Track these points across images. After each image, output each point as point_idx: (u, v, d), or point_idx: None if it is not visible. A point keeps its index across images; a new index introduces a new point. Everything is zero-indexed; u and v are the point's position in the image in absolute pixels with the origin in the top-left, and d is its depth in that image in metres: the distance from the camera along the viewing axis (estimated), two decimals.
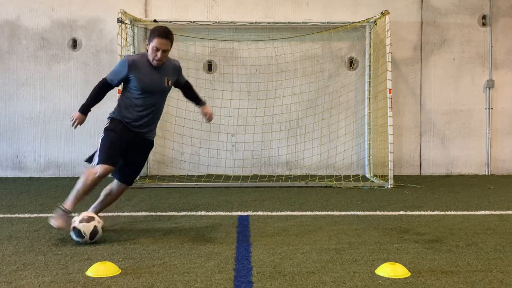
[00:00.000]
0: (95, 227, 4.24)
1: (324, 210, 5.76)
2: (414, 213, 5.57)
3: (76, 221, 4.25)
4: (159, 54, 4.41)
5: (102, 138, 4.53)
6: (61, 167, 8.56)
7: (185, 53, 8.34)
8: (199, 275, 3.46)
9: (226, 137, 8.47)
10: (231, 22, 8.25)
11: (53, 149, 8.55)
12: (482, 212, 5.59)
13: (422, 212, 5.58)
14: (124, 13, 7.69)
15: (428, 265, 3.70)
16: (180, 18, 8.36)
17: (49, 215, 5.47)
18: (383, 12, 7.75)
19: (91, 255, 3.94)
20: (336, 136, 8.52)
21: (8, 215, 5.47)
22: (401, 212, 5.58)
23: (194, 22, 8.24)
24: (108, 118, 4.64)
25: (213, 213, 5.55)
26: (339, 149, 8.50)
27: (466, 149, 8.76)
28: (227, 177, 7.99)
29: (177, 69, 4.78)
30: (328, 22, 8.23)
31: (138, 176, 8.12)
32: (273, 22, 8.30)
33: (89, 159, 4.65)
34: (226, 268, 3.61)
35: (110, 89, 4.62)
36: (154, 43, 4.39)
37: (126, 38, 7.78)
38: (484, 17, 8.66)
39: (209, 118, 4.96)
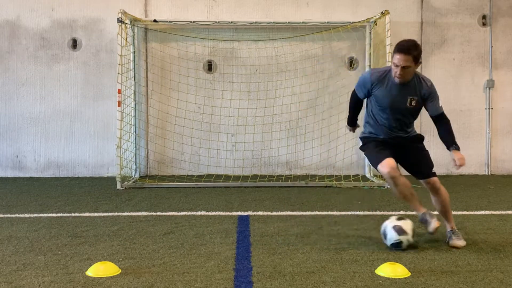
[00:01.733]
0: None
1: (324, 210, 5.76)
2: (414, 213, 5.56)
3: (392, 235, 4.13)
4: (398, 70, 4.14)
5: (366, 153, 4.59)
6: (61, 167, 8.56)
7: (185, 53, 8.34)
8: (199, 275, 3.46)
9: (226, 137, 8.46)
10: (231, 22, 8.24)
11: (53, 149, 8.55)
12: (482, 212, 5.59)
13: None
14: (124, 13, 7.69)
15: (428, 265, 3.70)
16: (180, 18, 8.36)
17: (49, 215, 5.49)
18: (383, 12, 7.75)
19: (91, 255, 3.94)
20: (336, 136, 8.52)
21: (8, 215, 5.47)
22: (401, 212, 5.57)
23: (194, 22, 8.24)
24: (360, 138, 4.65)
25: (213, 213, 5.55)
26: (339, 149, 8.50)
27: (466, 149, 8.73)
28: (227, 177, 7.98)
29: (425, 90, 4.32)
30: (328, 22, 8.23)
31: (138, 176, 8.15)
32: (273, 22, 8.29)
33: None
34: (226, 268, 3.61)
35: (361, 101, 4.58)
36: (395, 58, 4.13)
37: (126, 38, 7.78)
38: (484, 17, 8.66)
39: (459, 164, 4.32)
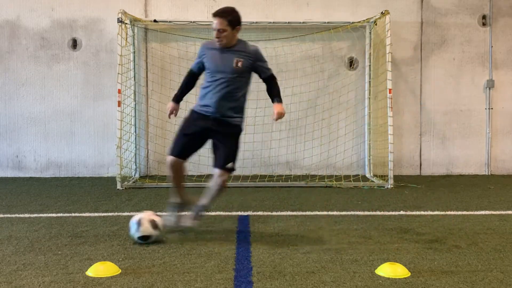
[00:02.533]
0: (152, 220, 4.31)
1: (324, 210, 5.76)
2: (414, 213, 5.57)
3: (134, 229, 4.28)
4: (215, 34, 4.43)
5: (178, 128, 4.65)
6: (61, 167, 8.56)
7: (185, 53, 8.34)
8: (199, 275, 3.46)
9: None
10: None
11: (53, 149, 8.55)
12: (482, 212, 5.59)
13: (422, 212, 5.58)
14: (124, 13, 7.69)
15: (428, 265, 3.70)
16: (180, 18, 8.36)
17: (49, 215, 5.49)
18: (383, 12, 7.75)
19: (91, 255, 3.94)
20: (336, 136, 8.52)
21: (8, 215, 5.47)
22: (401, 212, 5.58)
23: (194, 22, 8.24)
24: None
25: (213, 213, 5.55)
26: (339, 149, 8.50)
27: (466, 149, 8.76)
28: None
29: (251, 54, 4.61)
30: (328, 22, 8.23)
31: (138, 176, 8.15)
32: (273, 22, 8.29)
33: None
34: (226, 268, 3.61)
35: (194, 76, 4.72)
36: (212, 23, 4.44)
37: (126, 38, 7.78)
38: (484, 17, 8.66)
39: (275, 118, 4.58)
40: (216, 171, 4.51)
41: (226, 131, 4.53)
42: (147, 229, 4.24)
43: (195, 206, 4.64)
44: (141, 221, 4.27)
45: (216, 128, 4.51)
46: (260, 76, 4.72)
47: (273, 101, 4.65)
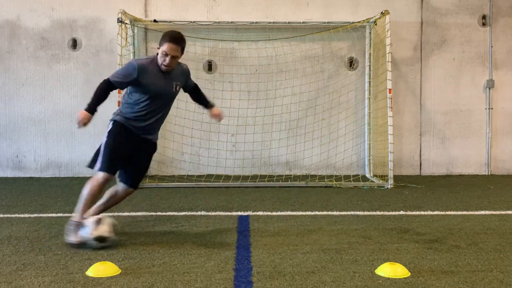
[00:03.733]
0: (110, 222, 4.21)
1: (324, 210, 5.76)
2: (414, 213, 5.57)
3: (89, 232, 4.12)
4: (167, 59, 4.29)
5: (105, 142, 4.45)
6: (61, 167, 8.56)
7: (185, 53, 8.26)
8: (199, 275, 3.46)
9: (226, 137, 8.47)
10: (231, 22, 8.25)
11: (53, 149, 8.55)
12: (482, 212, 5.59)
13: (422, 212, 5.58)
14: (124, 13, 7.69)
15: (428, 265, 3.70)
16: (180, 18, 8.36)
17: (49, 215, 5.49)
18: (383, 12, 7.75)
19: (91, 255, 3.94)
20: (336, 136, 8.52)
21: (8, 215, 5.47)
22: (401, 212, 5.58)
23: (194, 22, 8.24)
24: (111, 120, 4.54)
25: (213, 213, 5.55)
26: (339, 149, 8.50)
27: (466, 149, 8.76)
28: (227, 177, 7.98)
29: (186, 74, 4.67)
30: (328, 22, 8.23)
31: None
32: (273, 22, 8.30)
33: (91, 164, 4.56)
34: (226, 268, 3.61)
35: (113, 90, 4.51)
36: (164, 47, 4.27)
37: (126, 38, 7.78)
38: (484, 17, 8.66)
39: (219, 119, 4.87)
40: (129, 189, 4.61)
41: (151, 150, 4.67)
42: (103, 230, 4.12)
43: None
44: (101, 221, 4.17)
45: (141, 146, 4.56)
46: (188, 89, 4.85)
47: (211, 106, 4.87)
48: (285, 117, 8.50)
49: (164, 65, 4.32)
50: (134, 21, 8.19)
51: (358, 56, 8.57)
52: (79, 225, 4.25)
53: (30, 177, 8.43)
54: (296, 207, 5.91)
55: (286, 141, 8.54)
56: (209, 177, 7.97)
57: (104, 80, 4.40)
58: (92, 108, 4.34)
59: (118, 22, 7.54)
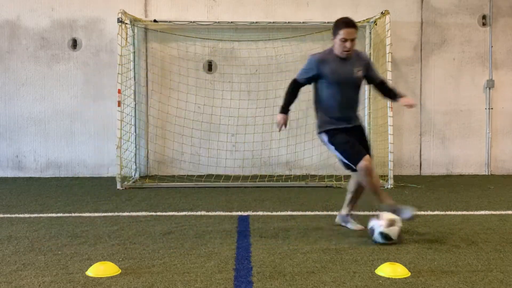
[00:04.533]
0: (400, 228, 4.27)
1: (324, 210, 5.76)
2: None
3: (381, 225, 4.24)
4: (348, 44, 4.42)
5: (335, 148, 4.59)
6: (61, 167, 8.56)
7: (185, 53, 8.35)
8: (199, 275, 3.46)
9: (226, 137, 8.47)
10: (231, 22, 8.25)
11: (53, 149, 8.55)
12: (482, 212, 5.59)
13: (422, 212, 5.57)
14: (124, 13, 7.69)
15: (428, 265, 3.70)
16: (180, 18, 8.36)
17: (49, 215, 5.49)
18: (383, 12, 7.75)
19: (91, 255, 3.94)
20: None
21: (8, 215, 5.47)
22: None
23: (194, 22, 8.24)
24: (319, 133, 4.72)
25: (213, 213, 5.55)
26: None
27: (466, 149, 8.75)
28: (227, 177, 7.98)
29: (365, 60, 4.72)
30: (328, 22, 8.20)
31: (138, 176, 8.15)
32: (273, 22, 8.29)
33: (351, 168, 4.59)
34: (226, 268, 3.61)
35: (300, 87, 4.71)
36: (342, 34, 4.40)
37: (126, 38, 7.78)
38: (484, 17, 8.66)
39: (411, 107, 4.77)
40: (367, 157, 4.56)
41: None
42: (393, 233, 4.23)
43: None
44: (393, 223, 4.25)
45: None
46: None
47: (400, 97, 4.79)
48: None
49: (345, 51, 4.46)
50: (134, 21, 8.19)
51: None
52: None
53: (30, 177, 8.43)
54: (296, 207, 5.91)
55: (286, 141, 8.54)
56: (209, 177, 7.97)
57: (292, 80, 4.71)
58: (285, 109, 4.73)
59: (118, 22, 7.54)
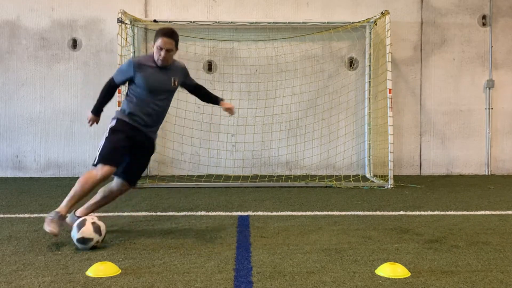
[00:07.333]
0: (96, 221, 4.17)
1: (324, 210, 5.76)
2: (414, 213, 5.57)
3: (75, 232, 4.11)
4: (162, 53, 4.42)
5: (106, 138, 4.50)
6: (61, 167, 8.56)
7: (185, 53, 8.34)
8: (199, 275, 3.46)
9: (226, 137, 8.47)
10: (231, 22, 8.25)
11: (53, 149, 8.55)
12: (482, 212, 5.59)
13: (422, 212, 5.58)
14: (124, 13, 7.69)
15: (428, 265, 3.70)
16: (180, 18, 8.36)
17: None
18: (383, 12, 7.75)
19: (91, 255, 3.94)
20: (336, 136, 8.52)
21: (8, 215, 5.47)
22: (401, 212, 5.58)
23: (194, 22, 8.24)
24: (113, 118, 4.62)
25: (213, 213, 5.55)
26: (339, 149, 8.50)
27: (466, 149, 8.76)
28: (227, 177, 7.99)
29: (183, 70, 4.75)
30: (328, 22, 8.23)
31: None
32: (273, 22, 8.30)
33: (94, 161, 4.56)
34: (226, 268, 3.61)
35: (116, 88, 4.67)
36: (158, 42, 4.42)
37: (126, 38, 7.78)
38: (484, 17, 8.66)
39: (231, 112, 4.87)
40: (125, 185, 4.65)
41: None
42: (88, 231, 4.08)
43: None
44: (84, 222, 4.13)
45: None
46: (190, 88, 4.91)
47: (221, 100, 4.93)
48: (285, 117, 8.50)
49: (160, 59, 4.45)
50: (134, 21, 8.19)
51: (358, 56, 8.57)
52: (62, 218, 4.33)
53: (30, 177, 8.43)
54: (296, 207, 5.91)
55: (286, 141, 8.55)
56: (209, 177, 7.97)
57: (109, 79, 4.63)
58: (98, 110, 4.68)
59: (118, 22, 7.54)
